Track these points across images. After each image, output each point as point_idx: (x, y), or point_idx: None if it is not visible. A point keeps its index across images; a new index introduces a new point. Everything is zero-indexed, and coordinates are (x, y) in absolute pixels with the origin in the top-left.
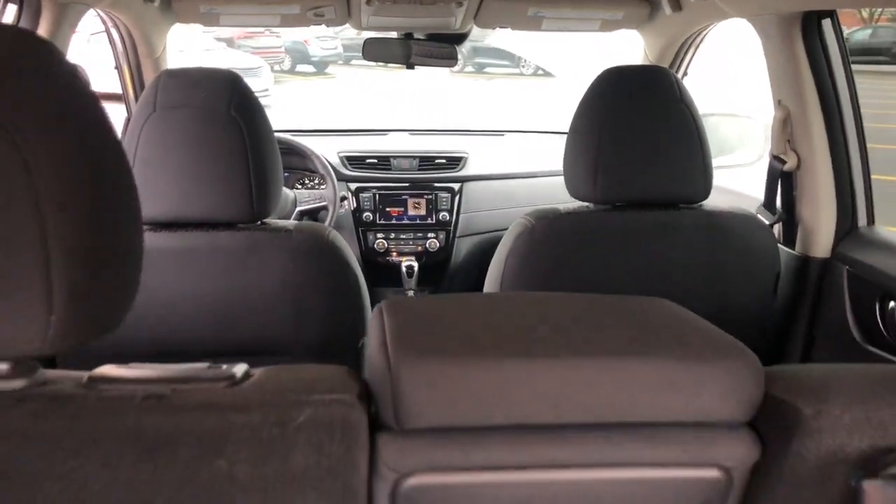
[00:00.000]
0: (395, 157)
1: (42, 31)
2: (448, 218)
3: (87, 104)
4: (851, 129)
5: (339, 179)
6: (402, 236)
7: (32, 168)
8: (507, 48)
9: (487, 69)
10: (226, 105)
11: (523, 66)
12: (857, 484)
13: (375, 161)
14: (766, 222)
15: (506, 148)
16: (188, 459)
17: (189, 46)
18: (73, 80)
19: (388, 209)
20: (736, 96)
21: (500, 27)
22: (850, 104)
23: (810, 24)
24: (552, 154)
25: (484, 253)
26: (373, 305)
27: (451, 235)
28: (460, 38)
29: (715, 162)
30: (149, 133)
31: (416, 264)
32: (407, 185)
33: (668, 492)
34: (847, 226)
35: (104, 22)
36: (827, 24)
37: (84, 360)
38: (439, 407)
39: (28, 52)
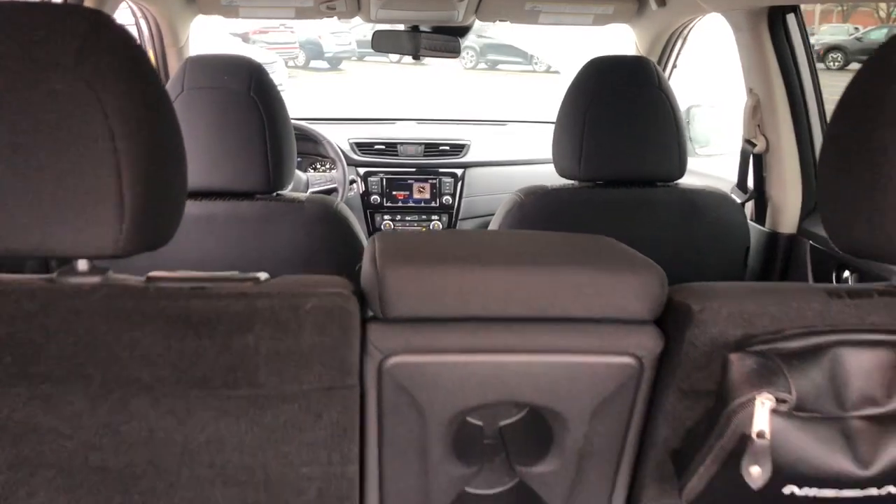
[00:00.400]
0: (401, 144)
1: None
2: (451, 202)
3: (146, 69)
4: (815, 116)
5: (348, 164)
6: (408, 218)
7: (109, 114)
8: (519, 46)
9: (500, 66)
10: (246, 87)
11: (536, 63)
12: (727, 357)
13: (383, 147)
14: (738, 201)
15: (507, 136)
16: (224, 334)
17: (208, 43)
18: (136, 50)
19: (394, 192)
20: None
21: (500, 20)
22: (813, 93)
23: (776, 19)
24: (550, 143)
25: None
26: None
27: (454, 218)
28: (463, 30)
29: (703, 151)
30: (177, 110)
31: None
32: (413, 170)
33: (596, 373)
34: (811, 205)
35: (133, 13)
36: (791, 19)
37: None
38: (415, 301)
39: (103, 28)
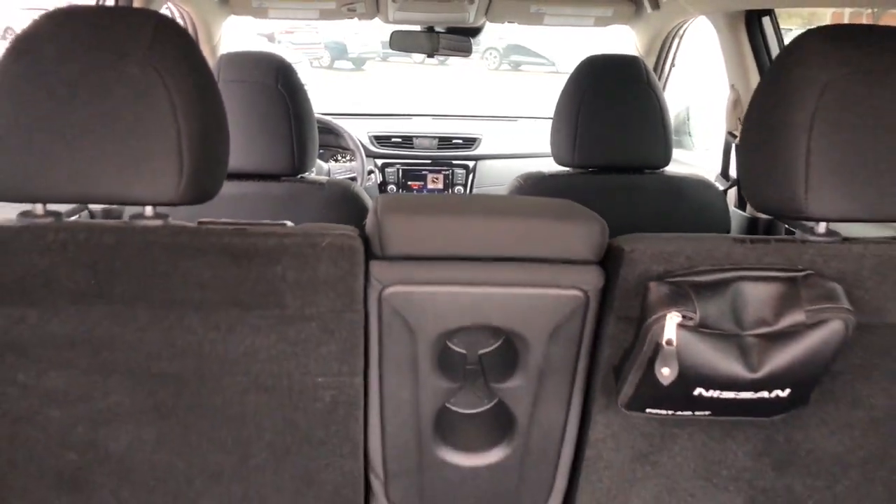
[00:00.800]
0: (417, 137)
1: None
2: (463, 192)
3: (198, 57)
4: None
5: (367, 156)
6: None
7: (172, 93)
8: (536, 48)
9: (522, 66)
10: (274, 81)
11: (556, 64)
12: (647, 285)
13: (400, 140)
14: (721, 188)
15: (517, 131)
16: (258, 265)
17: (237, 41)
18: (190, 43)
19: (409, 182)
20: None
21: (508, 22)
22: None
23: (752, 21)
24: None
25: None
26: None
27: None
28: (475, 31)
29: (701, 145)
30: None
31: None
32: (427, 161)
33: (551, 303)
34: None
35: (172, 13)
36: (767, 21)
37: None
38: (408, 243)
39: (165, 26)
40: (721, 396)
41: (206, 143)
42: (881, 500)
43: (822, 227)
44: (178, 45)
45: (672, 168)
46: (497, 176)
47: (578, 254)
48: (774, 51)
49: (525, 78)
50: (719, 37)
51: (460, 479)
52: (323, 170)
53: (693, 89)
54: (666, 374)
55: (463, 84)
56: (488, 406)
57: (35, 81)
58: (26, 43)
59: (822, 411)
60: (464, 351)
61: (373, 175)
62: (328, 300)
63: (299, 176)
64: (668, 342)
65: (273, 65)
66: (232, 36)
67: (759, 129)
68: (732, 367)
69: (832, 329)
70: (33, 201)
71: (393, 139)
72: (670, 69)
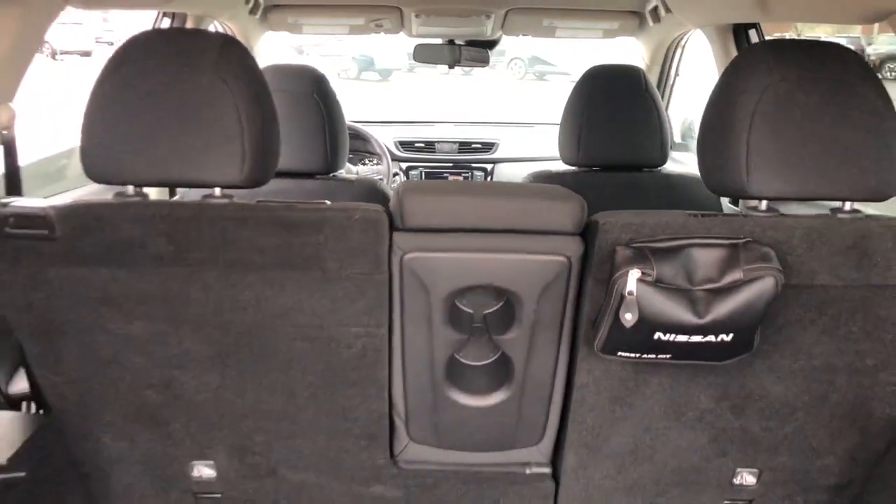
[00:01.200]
0: (439, 142)
1: None
2: None
3: (254, 69)
4: None
5: (392, 160)
6: None
7: (236, 98)
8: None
9: (547, 76)
10: (311, 90)
11: (574, 74)
12: (615, 249)
13: (423, 145)
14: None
15: (533, 136)
16: (305, 234)
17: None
18: (248, 57)
19: None
20: None
21: (523, 35)
22: None
23: (739, 32)
24: None
25: None
26: None
27: None
28: (492, 43)
29: None
30: None
31: None
32: (449, 164)
33: (540, 268)
34: None
35: (216, 28)
36: (752, 32)
37: None
38: (423, 217)
39: (229, 44)
40: (676, 340)
41: (263, 138)
42: (823, 437)
43: (763, 205)
44: (240, 59)
45: (679, 168)
46: (513, 178)
47: (562, 226)
48: None
49: (549, 87)
50: (712, 47)
51: (468, 418)
52: (352, 173)
53: (700, 97)
54: (628, 318)
55: (488, 93)
56: (492, 359)
57: (127, 90)
58: (119, 60)
59: (770, 361)
60: (471, 311)
61: (398, 177)
62: (360, 264)
63: (332, 174)
64: (630, 293)
65: (309, 76)
66: (268, 48)
67: (713, 126)
68: (683, 314)
69: (764, 284)
70: (126, 184)
71: (416, 144)
72: (675, 77)
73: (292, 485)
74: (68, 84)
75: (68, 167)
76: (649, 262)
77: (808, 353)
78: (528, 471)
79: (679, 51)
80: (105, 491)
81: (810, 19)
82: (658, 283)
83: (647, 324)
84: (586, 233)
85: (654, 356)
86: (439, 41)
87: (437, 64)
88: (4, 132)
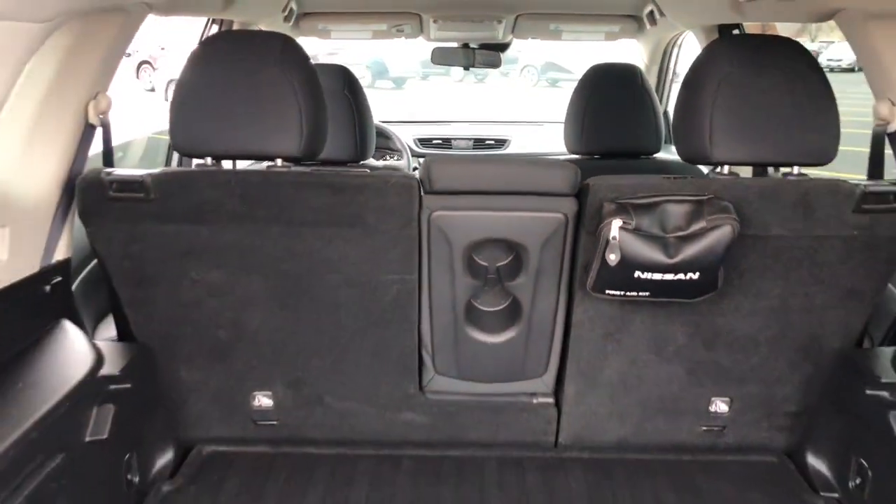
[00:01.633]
0: (455, 139)
1: None
2: None
3: (308, 63)
4: None
5: (412, 155)
6: None
7: (296, 87)
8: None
9: (560, 83)
10: (341, 87)
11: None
12: (602, 204)
13: (440, 142)
14: (705, 170)
15: (542, 133)
16: (350, 195)
17: None
18: (303, 53)
19: None
20: None
21: (532, 38)
22: None
23: (724, 33)
24: None
25: None
26: None
27: None
28: (504, 46)
29: None
30: None
31: None
32: None
33: (542, 223)
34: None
35: None
36: (736, 32)
37: None
38: (446, 182)
39: (289, 43)
40: (652, 278)
41: (316, 119)
42: (783, 368)
43: (725, 170)
44: (297, 55)
45: (673, 157)
46: None
47: (560, 189)
48: None
49: (561, 93)
50: (701, 46)
51: (484, 353)
52: (375, 167)
53: None
54: (612, 259)
55: (501, 99)
56: (503, 306)
57: (207, 81)
58: (198, 57)
59: (735, 301)
60: (486, 264)
61: (416, 172)
62: (394, 221)
63: (360, 162)
64: (614, 238)
65: (340, 74)
66: None
67: (684, 107)
68: (657, 255)
69: (723, 231)
70: (206, 156)
71: (434, 141)
72: (672, 75)
73: (336, 412)
74: None
75: (124, 158)
76: (630, 214)
77: (767, 294)
78: (534, 400)
79: (675, 50)
80: (182, 416)
81: (773, 19)
82: (637, 231)
83: (628, 264)
84: (580, 194)
85: (635, 293)
86: (455, 45)
87: (453, 65)
88: (101, 116)
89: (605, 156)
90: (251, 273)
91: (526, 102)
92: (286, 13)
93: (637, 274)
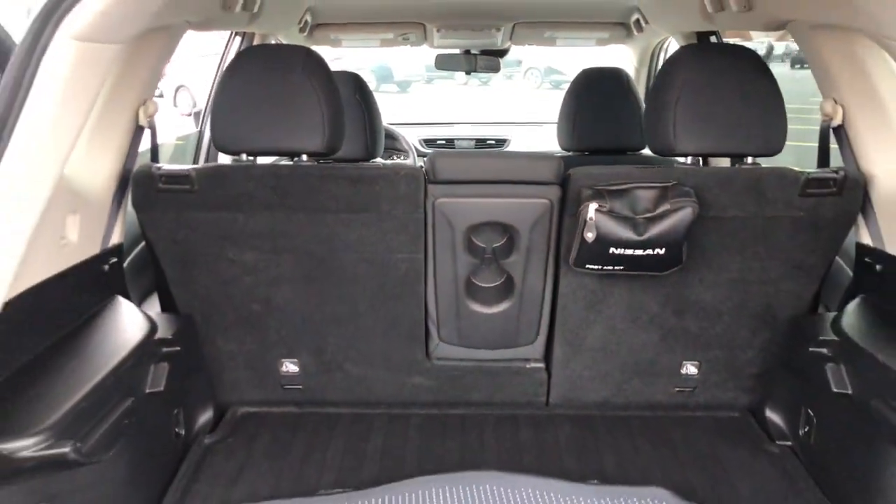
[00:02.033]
0: (458, 140)
1: None
2: None
3: (327, 71)
4: None
5: (417, 155)
6: None
7: (319, 92)
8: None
9: (563, 85)
10: (353, 92)
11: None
12: (580, 190)
13: (444, 142)
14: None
15: (541, 133)
16: (365, 185)
17: None
18: (323, 63)
19: None
20: None
21: (528, 44)
22: None
23: (702, 38)
24: None
25: None
26: None
27: None
28: (503, 52)
29: None
30: None
31: None
32: None
33: (531, 207)
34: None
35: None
36: (713, 38)
37: None
38: (448, 173)
39: (311, 54)
40: (625, 253)
41: (335, 119)
42: (745, 335)
43: (689, 160)
44: (319, 64)
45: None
46: None
47: (546, 178)
48: None
49: (563, 95)
50: None
51: (482, 322)
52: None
53: None
54: (590, 236)
55: (505, 102)
56: (499, 282)
57: (242, 87)
58: (234, 67)
59: (700, 275)
60: (483, 245)
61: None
62: (404, 206)
63: (371, 161)
64: (590, 218)
65: (352, 80)
66: None
67: (653, 106)
68: (628, 233)
69: (685, 212)
70: (241, 153)
71: (438, 141)
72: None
73: (354, 377)
74: None
75: None
76: (605, 198)
77: (727, 268)
78: (527, 365)
79: (662, 54)
80: (219, 381)
81: (736, 28)
82: (610, 212)
83: (603, 241)
84: (563, 182)
85: (611, 268)
86: (457, 51)
87: (455, 70)
88: (149, 119)
89: (593, 152)
90: (281, 254)
91: (529, 104)
92: (301, 25)
93: (612, 250)
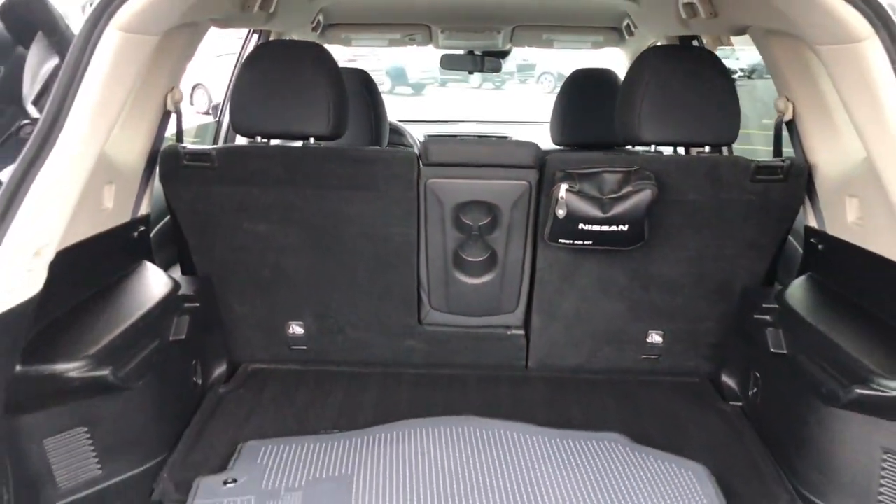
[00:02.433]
0: (460, 136)
1: None
2: None
3: (335, 66)
4: None
5: None
6: None
7: (324, 81)
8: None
9: None
10: (360, 87)
11: None
12: (554, 173)
13: (448, 138)
14: None
15: (541, 132)
16: (365, 166)
17: None
18: (332, 59)
19: None
20: None
21: (527, 46)
22: None
23: (683, 41)
24: None
25: None
26: None
27: None
28: (504, 53)
29: None
30: None
31: None
32: None
33: (511, 188)
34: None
35: None
36: (696, 43)
37: None
38: (438, 156)
39: (320, 51)
40: (592, 229)
41: (340, 108)
42: (704, 307)
43: (652, 149)
44: (327, 58)
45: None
46: None
47: (525, 162)
48: None
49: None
50: None
51: (469, 291)
52: None
53: None
54: (560, 213)
55: (516, 105)
56: (485, 257)
57: (259, 77)
58: (252, 59)
59: (663, 252)
60: (471, 223)
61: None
62: (399, 185)
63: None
64: (561, 197)
65: (359, 77)
66: None
67: (622, 101)
68: (595, 211)
69: (645, 193)
70: (256, 136)
71: (442, 138)
72: None
73: (353, 340)
74: None
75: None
76: (575, 180)
77: (686, 246)
78: (508, 332)
79: None
80: (232, 339)
81: (706, 32)
82: (580, 193)
83: (573, 217)
84: (541, 166)
85: (581, 242)
86: (461, 52)
87: (460, 70)
88: (175, 104)
89: (582, 147)
90: (290, 225)
91: (538, 107)
92: (314, 24)
93: (580, 226)
